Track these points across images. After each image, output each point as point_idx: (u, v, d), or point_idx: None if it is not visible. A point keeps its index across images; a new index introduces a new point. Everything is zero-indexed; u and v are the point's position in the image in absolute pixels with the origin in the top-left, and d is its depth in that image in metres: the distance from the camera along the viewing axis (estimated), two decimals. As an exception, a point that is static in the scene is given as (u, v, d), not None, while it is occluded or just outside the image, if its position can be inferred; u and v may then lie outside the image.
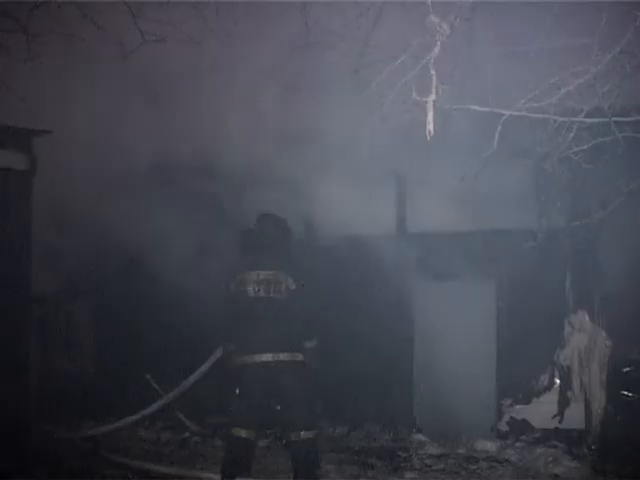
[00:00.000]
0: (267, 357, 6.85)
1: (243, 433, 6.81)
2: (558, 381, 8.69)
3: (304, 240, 9.39)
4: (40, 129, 7.41)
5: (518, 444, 8.50)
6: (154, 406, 8.92)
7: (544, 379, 8.76)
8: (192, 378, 9.12)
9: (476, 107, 6.22)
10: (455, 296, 9.05)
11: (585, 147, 6.55)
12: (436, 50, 5.80)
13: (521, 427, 8.73)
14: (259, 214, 7.33)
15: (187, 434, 9.18)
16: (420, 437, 8.88)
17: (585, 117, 6.22)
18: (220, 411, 8.87)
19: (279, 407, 6.89)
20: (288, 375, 6.87)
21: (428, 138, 5.71)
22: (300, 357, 6.93)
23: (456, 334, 8.98)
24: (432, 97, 5.73)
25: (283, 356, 6.88)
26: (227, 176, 9.05)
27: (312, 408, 7.22)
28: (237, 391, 6.89)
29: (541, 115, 6.22)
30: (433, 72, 5.76)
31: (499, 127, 6.21)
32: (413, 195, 9.50)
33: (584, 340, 8.56)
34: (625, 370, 8.31)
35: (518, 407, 8.82)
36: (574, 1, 5.87)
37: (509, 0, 6.34)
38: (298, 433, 6.81)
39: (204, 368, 9.11)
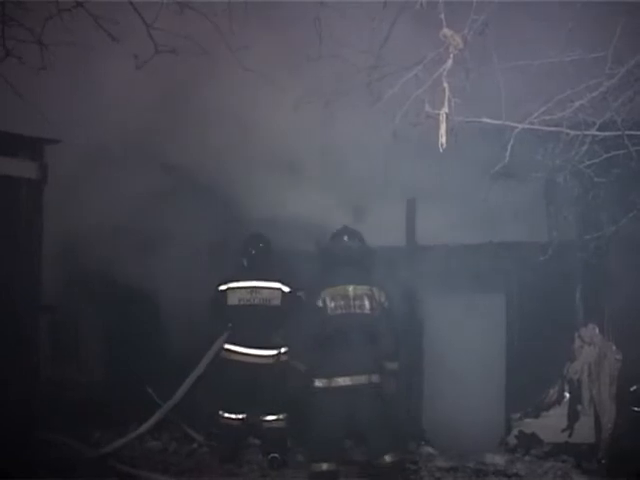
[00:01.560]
0: (347, 380, 6.49)
1: (324, 467, 6.51)
2: (568, 395, 8.64)
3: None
4: (51, 138, 7.44)
5: (527, 458, 8.45)
6: (154, 418, 8.64)
7: (554, 393, 8.71)
8: (189, 380, 8.69)
9: (488, 120, 6.23)
10: (465, 308, 9.03)
11: (597, 160, 6.55)
12: (449, 63, 5.81)
13: (530, 441, 8.68)
14: (342, 227, 7.05)
15: (195, 445, 9.15)
16: (429, 450, 8.84)
17: (598, 130, 6.22)
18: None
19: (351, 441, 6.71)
20: (368, 400, 6.53)
21: (440, 150, 5.72)
22: (378, 379, 6.63)
23: (465, 346, 8.97)
24: (445, 110, 5.75)
25: (363, 379, 6.54)
26: (235, 190, 9.08)
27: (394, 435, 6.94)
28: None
29: (553, 128, 6.23)
30: (446, 85, 5.78)
31: (511, 140, 6.22)
32: (423, 207, 9.50)
33: (594, 354, 8.52)
34: (635, 384, 8.28)
35: (527, 420, 8.75)
36: (589, 11, 5.88)
37: (524, 1, 6.36)
38: (389, 455, 6.59)
39: (201, 367, 8.67)
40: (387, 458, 6.60)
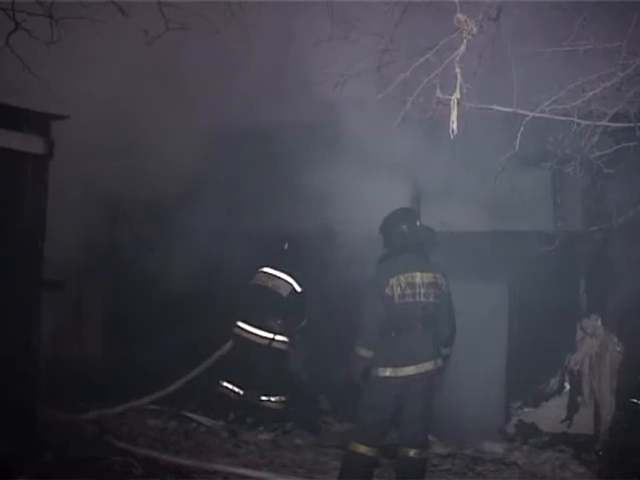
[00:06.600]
0: (411, 370, 6.38)
1: (362, 449, 6.42)
2: (568, 386, 8.66)
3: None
4: (58, 113, 7.36)
5: (526, 447, 8.47)
6: (147, 399, 9.23)
7: (554, 383, 8.73)
8: (195, 372, 9.34)
9: (499, 107, 6.18)
10: (468, 296, 8.96)
11: (607, 152, 6.50)
12: (462, 48, 5.75)
13: (529, 430, 8.70)
14: (400, 209, 6.85)
15: (194, 424, 9.15)
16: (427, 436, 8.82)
17: (609, 121, 6.17)
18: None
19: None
20: (423, 387, 6.47)
21: (451, 137, 5.67)
22: (441, 363, 6.57)
23: (467, 334, 8.90)
24: (456, 96, 5.69)
25: (428, 365, 6.44)
26: (243, 170, 9.08)
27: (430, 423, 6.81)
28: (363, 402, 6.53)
29: (565, 117, 6.18)
30: (458, 70, 5.72)
31: (521, 128, 6.16)
32: (428, 193, 9.45)
33: (595, 345, 8.52)
34: (636, 377, 8.26)
35: (527, 410, 8.79)
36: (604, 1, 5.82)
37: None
38: (417, 450, 6.51)
39: (208, 363, 9.35)
40: (411, 453, 6.52)
